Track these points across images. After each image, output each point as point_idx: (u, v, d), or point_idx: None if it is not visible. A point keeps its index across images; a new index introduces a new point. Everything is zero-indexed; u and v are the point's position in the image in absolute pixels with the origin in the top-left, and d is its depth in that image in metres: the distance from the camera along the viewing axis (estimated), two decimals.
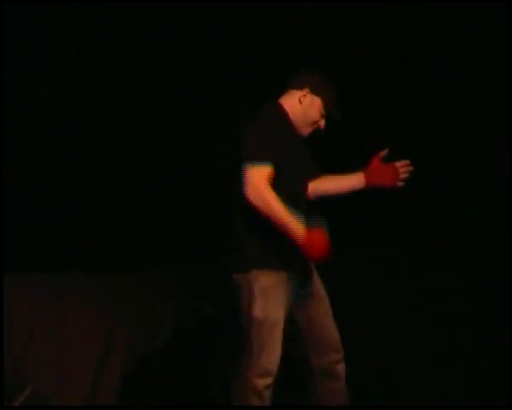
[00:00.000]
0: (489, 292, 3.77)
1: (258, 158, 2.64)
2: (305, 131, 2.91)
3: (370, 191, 2.97)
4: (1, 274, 3.61)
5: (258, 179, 2.61)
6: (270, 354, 2.65)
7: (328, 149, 3.48)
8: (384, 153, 2.92)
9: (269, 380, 2.65)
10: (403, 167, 2.91)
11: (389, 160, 2.93)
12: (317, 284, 2.88)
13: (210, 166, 3.97)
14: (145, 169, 4.22)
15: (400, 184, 2.92)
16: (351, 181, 2.97)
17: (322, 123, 2.91)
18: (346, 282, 3.81)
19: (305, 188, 2.94)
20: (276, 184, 2.66)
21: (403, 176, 2.90)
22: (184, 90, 4.07)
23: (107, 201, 4.13)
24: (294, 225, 2.61)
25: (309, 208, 2.91)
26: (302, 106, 2.87)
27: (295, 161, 2.80)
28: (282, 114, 2.86)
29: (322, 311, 2.85)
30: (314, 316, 2.83)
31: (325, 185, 3.01)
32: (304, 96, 2.87)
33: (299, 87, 2.89)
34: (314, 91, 2.87)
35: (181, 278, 4.38)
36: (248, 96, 2.83)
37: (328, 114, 2.89)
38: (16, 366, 3.76)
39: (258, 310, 2.65)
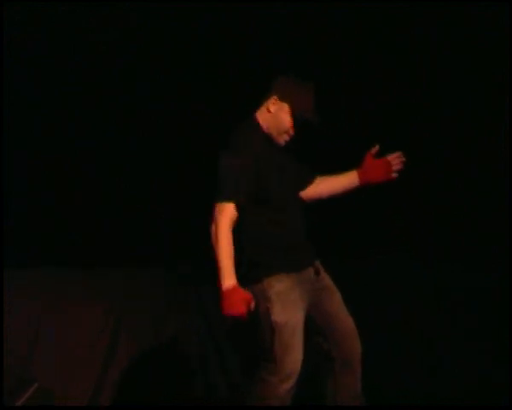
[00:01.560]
0: (489, 292, 3.77)
1: (224, 194, 2.62)
2: (281, 139, 2.80)
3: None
4: (1, 274, 3.63)
5: (219, 218, 2.60)
6: (294, 357, 2.64)
7: (318, 150, 3.47)
8: (375, 150, 2.88)
9: (291, 383, 2.64)
10: (395, 160, 2.88)
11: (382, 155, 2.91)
12: (327, 279, 2.85)
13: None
14: (146, 169, 4.23)
15: (395, 176, 2.88)
16: (345, 181, 2.93)
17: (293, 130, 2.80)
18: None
19: (296, 199, 2.90)
20: (261, 208, 2.68)
21: (396, 168, 2.87)
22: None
23: (107, 200, 4.13)
24: (225, 273, 2.57)
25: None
26: (272, 115, 2.77)
27: (278, 179, 2.74)
28: (257, 131, 2.78)
29: (336, 304, 2.82)
30: (329, 310, 2.79)
31: (319, 189, 2.97)
32: (272, 104, 2.77)
33: (269, 95, 2.80)
34: (282, 98, 2.76)
35: (181, 278, 4.38)
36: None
37: (298, 120, 2.76)
38: (23, 364, 3.79)
39: (277, 315, 2.63)
